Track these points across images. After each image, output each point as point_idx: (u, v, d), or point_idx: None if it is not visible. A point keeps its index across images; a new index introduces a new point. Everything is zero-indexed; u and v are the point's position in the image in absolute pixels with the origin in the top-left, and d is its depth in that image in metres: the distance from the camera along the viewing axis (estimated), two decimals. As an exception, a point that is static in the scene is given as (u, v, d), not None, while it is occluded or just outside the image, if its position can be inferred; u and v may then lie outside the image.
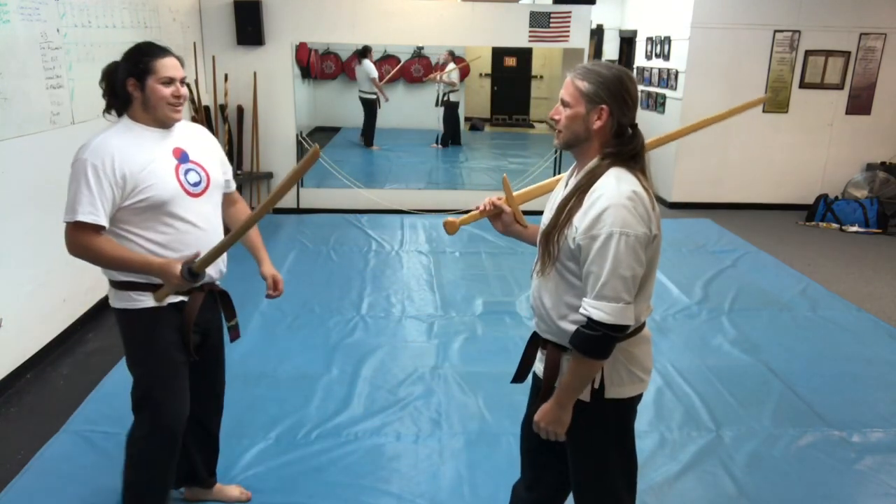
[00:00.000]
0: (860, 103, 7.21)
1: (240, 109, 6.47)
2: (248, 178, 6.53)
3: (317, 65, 11.25)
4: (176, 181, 1.98)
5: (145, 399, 2.09)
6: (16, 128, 3.36)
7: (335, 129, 11.22)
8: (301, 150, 6.82)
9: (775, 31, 6.95)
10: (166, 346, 2.06)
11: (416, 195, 7.03)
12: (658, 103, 7.71)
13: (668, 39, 7.49)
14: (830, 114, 7.23)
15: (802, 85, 7.11)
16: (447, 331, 4.03)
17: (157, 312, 2.02)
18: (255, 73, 6.40)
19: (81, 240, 1.92)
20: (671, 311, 4.37)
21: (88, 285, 4.08)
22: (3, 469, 2.70)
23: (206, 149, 2.14)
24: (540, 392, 1.79)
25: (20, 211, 3.41)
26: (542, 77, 13.18)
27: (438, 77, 9.63)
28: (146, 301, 2.01)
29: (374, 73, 9.46)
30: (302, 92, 9.89)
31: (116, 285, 2.03)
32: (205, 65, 6.25)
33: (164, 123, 2.00)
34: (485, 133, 12.31)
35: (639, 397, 1.77)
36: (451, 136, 9.97)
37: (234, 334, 2.25)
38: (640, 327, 1.73)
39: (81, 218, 1.88)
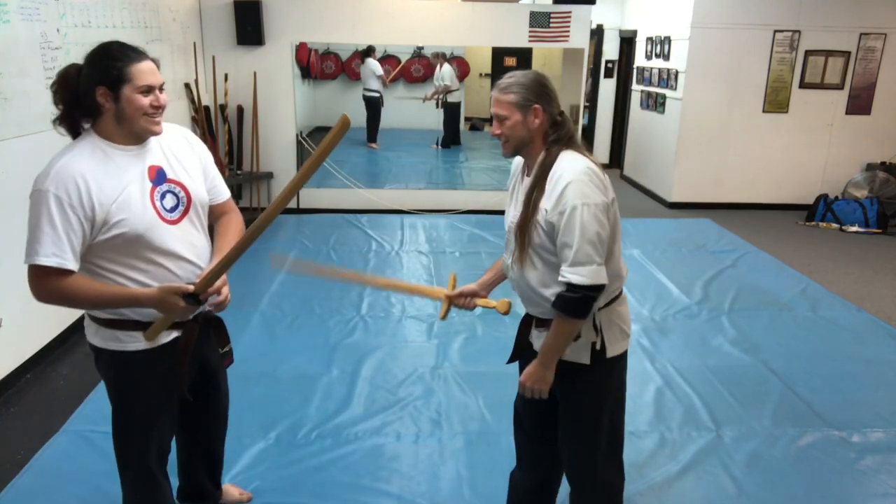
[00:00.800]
0: (860, 103, 7.21)
1: (240, 109, 6.47)
2: (248, 178, 6.54)
3: (317, 65, 11.24)
4: (152, 209, 1.72)
5: (127, 444, 1.92)
6: (16, 128, 3.36)
7: (335, 129, 11.18)
8: (301, 150, 6.82)
9: (775, 31, 6.96)
10: (156, 392, 1.86)
11: (416, 195, 7.03)
12: (658, 103, 7.71)
13: (668, 39, 7.49)
14: (830, 114, 7.23)
15: (802, 85, 7.11)
16: (447, 331, 4.03)
17: (149, 355, 1.79)
18: (255, 73, 6.40)
19: (48, 285, 1.66)
20: (671, 311, 4.37)
21: (88, 285, 4.08)
22: (3, 469, 2.70)
23: (186, 159, 1.84)
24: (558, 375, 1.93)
25: (20, 211, 3.40)
26: (541, 77, 13.16)
27: (431, 96, 9.74)
28: (136, 342, 1.77)
29: (381, 71, 9.47)
30: (302, 92, 9.88)
31: (100, 322, 1.78)
32: (205, 65, 6.26)
33: (140, 138, 1.73)
34: (485, 133, 12.30)
35: (623, 357, 1.96)
36: (451, 137, 9.97)
37: (228, 361, 2.06)
38: (621, 289, 1.95)
39: (43, 262, 1.63)
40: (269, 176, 6.71)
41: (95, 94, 1.65)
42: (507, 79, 1.84)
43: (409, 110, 11.36)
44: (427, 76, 10.94)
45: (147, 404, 1.88)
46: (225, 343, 2.02)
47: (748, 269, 5.28)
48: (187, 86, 5.83)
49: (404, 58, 11.35)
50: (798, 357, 3.79)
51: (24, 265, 1.66)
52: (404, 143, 10.05)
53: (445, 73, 9.52)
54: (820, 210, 6.90)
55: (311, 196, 6.82)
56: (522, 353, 2.05)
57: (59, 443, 2.83)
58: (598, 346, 1.87)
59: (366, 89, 9.65)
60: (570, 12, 6.46)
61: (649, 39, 8.01)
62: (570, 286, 1.74)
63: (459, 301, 2.19)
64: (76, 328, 3.94)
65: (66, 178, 1.62)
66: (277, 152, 6.71)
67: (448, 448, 2.87)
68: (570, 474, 2.06)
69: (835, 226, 6.78)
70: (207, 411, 2.14)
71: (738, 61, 7.03)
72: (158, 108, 1.71)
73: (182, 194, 1.80)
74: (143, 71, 1.67)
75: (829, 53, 7.04)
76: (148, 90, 1.68)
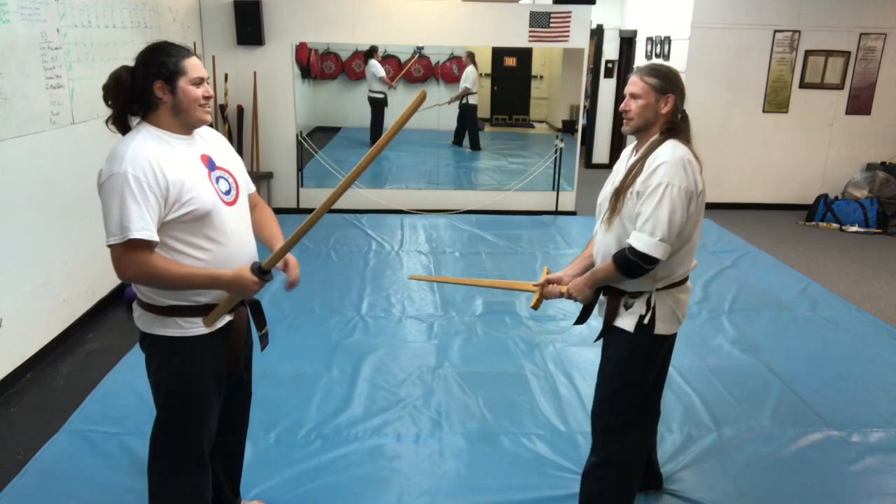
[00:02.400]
0: (860, 103, 7.21)
1: (240, 109, 6.47)
2: (248, 178, 6.53)
3: (317, 65, 11.23)
4: (214, 190, 1.83)
5: (180, 432, 1.95)
6: (16, 128, 3.36)
7: (335, 129, 11.20)
8: (301, 150, 6.82)
9: (775, 31, 6.96)
10: (213, 375, 1.93)
11: (416, 195, 7.03)
12: (658, 103, 7.71)
13: (668, 39, 7.49)
14: (830, 114, 7.23)
15: (802, 85, 7.11)
16: (447, 331, 4.03)
17: (208, 339, 1.87)
18: (255, 73, 6.40)
19: (138, 259, 1.70)
20: (671, 311, 4.37)
21: (88, 285, 4.08)
22: (3, 469, 2.70)
23: (227, 152, 2.00)
24: (603, 328, 2.20)
25: (20, 211, 3.41)
26: (542, 77, 13.16)
27: (456, 98, 9.69)
28: (196, 328, 1.85)
29: (381, 73, 9.47)
30: (302, 92, 9.88)
31: (159, 311, 1.83)
32: (205, 65, 6.22)
33: (193, 127, 1.85)
34: (485, 133, 12.28)
35: (672, 337, 2.18)
36: (471, 140, 10.00)
37: (265, 342, 2.09)
38: (686, 278, 2.14)
39: (136, 235, 1.67)
40: (269, 176, 6.71)
41: (153, 88, 1.77)
42: (651, 64, 2.08)
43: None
44: (427, 76, 10.94)
45: (205, 387, 1.93)
46: (263, 325, 2.07)
47: (748, 269, 5.28)
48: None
49: (404, 58, 11.34)
50: (798, 357, 3.79)
51: (106, 245, 1.71)
52: (404, 143, 10.04)
53: (470, 74, 9.54)
54: (820, 210, 6.90)
55: (310, 196, 6.82)
56: (587, 317, 2.32)
57: (59, 443, 2.83)
58: (645, 321, 2.07)
59: (370, 91, 9.66)
60: (570, 12, 6.46)
61: (649, 39, 8.01)
62: (630, 248, 1.96)
63: (547, 289, 2.31)
64: (76, 328, 3.94)
65: (140, 160, 1.71)
66: (277, 152, 6.71)
67: (448, 448, 2.87)
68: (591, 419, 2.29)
69: (835, 226, 6.78)
70: (235, 394, 2.15)
71: (738, 61, 7.03)
72: (209, 99, 1.84)
73: (231, 180, 1.93)
74: (195, 65, 1.82)
75: (829, 53, 7.04)
76: (200, 82, 1.81)
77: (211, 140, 1.96)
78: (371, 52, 9.56)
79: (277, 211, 6.75)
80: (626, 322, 2.11)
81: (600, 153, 9.81)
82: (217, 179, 1.87)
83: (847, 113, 7.23)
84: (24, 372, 3.44)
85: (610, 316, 2.16)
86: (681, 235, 1.99)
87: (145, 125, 1.81)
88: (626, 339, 2.12)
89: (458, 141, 10.17)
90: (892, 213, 6.75)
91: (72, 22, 3.87)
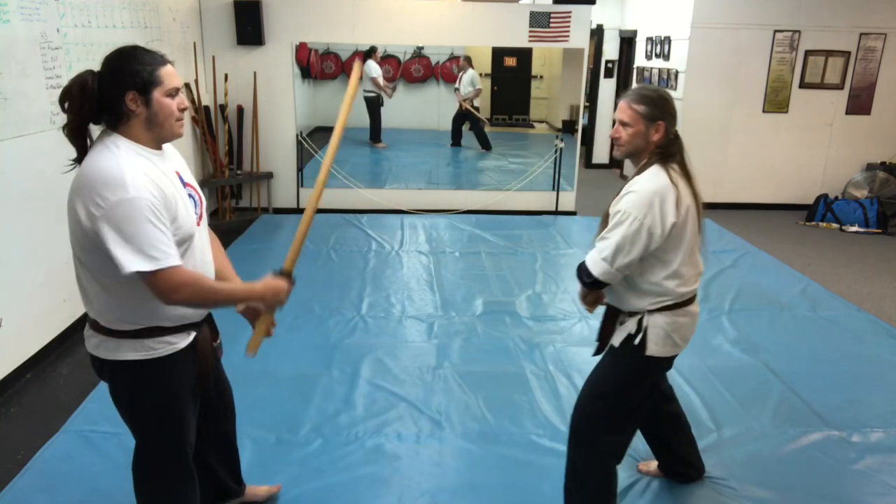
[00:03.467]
0: (860, 103, 7.21)
1: (240, 109, 6.47)
2: (248, 178, 6.53)
3: (317, 65, 11.23)
4: (190, 210, 1.75)
5: (167, 454, 1.91)
6: (16, 128, 3.36)
7: (335, 129, 11.19)
8: (301, 150, 6.82)
9: (775, 31, 6.96)
10: (187, 392, 1.87)
11: (416, 195, 7.03)
12: (658, 103, 7.71)
13: (668, 39, 7.49)
14: (830, 114, 7.23)
15: (802, 85, 7.11)
16: (447, 331, 4.03)
17: (178, 357, 1.80)
18: (255, 73, 6.40)
19: (181, 280, 1.63)
20: (671, 311, 4.37)
21: (88, 285, 4.08)
22: (3, 469, 2.70)
23: (185, 165, 1.86)
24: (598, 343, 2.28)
25: (20, 211, 3.41)
26: (542, 77, 13.16)
27: (466, 103, 9.67)
28: (166, 346, 1.77)
29: (374, 73, 9.47)
30: (302, 92, 9.89)
31: (126, 335, 1.73)
32: (205, 65, 6.25)
33: (165, 141, 1.73)
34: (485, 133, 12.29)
35: (670, 359, 2.18)
36: (483, 142, 10.01)
37: (219, 352, 2.10)
38: (689, 301, 2.14)
39: (173, 262, 1.60)
40: (269, 176, 6.70)
41: (124, 99, 1.62)
42: (640, 90, 2.06)
43: (410, 110, 11.36)
44: (427, 76, 10.94)
45: (184, 404, 1.89)
46: (216, 336, 2.04)
47: (748, 269, 5.28)
48: (187, 86, 5.83)
49: (404, 58, 11.34)
50: (798, 357, 3.79)
51: (135, 272, 1.58)
52: (404, 143, 10.04)
53: (474, 77, 9.56)
54: (820, 210, 6.90)
55: (310, 196, 6.80)
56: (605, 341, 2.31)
57: (59, 443, 2.83)
58: (635, 341, 2.09)
59: (364, 90, 9.65)
60: (570, 12, 6.46)
61: (649, 39, 8.01)
62: (583, 263, 2.06)
63: None
64: (76, 328, 3.94)
65: (141, 181, 1.59)
66: (277, 152, 6.71)
67: (448, 448, 2.87)
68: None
69: (835, 226, 6.78)
70: (215, 405, 2.13)
71: (738, 61, 7.03)
72: (184, 111, 1.73)
73: (196, 197, 1.83)
74: (170, 74, 1.67)
75: (829, 53, 7.04)
76: (175, 92, 1.69)
77: (175, 155, 1.84)
78: (370, 52, 9.57)
79: (277, 211, 6.77)
80: (616, 338, 2.17)
81: (600, 153, 9.81)
82: (188, 197, 1.75)
83: (847, 113, 7.23)
84: (24, 372, 3.44)
85: (606, 333, 2.22)
86: (656, 257, 2.03)
87: (119, 138, 1.65)
88: (616, 356, 2.18)
89: (456, 142, 10.18)
90: (892, 213, 6.75)
91: (72, 22, 3.87)
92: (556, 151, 6.88)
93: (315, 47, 10.88)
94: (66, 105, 1.65)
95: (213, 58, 6.27)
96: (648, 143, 2.04)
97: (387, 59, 11.10)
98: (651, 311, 2.09)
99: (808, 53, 7.02)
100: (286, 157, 6.73)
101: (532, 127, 13.05)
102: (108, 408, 3.11)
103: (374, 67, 9.49)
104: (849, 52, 7.04)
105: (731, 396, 3.32)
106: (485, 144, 9.97)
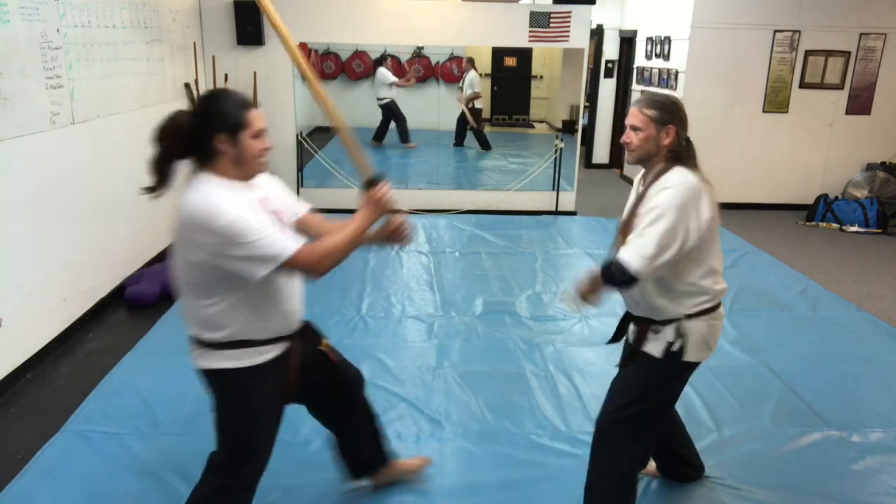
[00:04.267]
0: (860, 103, 7.21)
1: (240, 109, 6.46)
2: (248, 178, 6.53)
3: (317, 65, 11.23)
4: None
5: (248, 459, 2.06)
6: (16, 128, 3.36)
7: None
8: (301, 150, 6.81)
9: (775, 31, 6.95)
10: (274, 402, 2.04)
11: (416, 195, 7.03)
12: (658, 103, 7.71)
13: (668, 39, 7.49)
14: (830, 114, 7.23)
15: (802, 85, 7.11)
16: (447, 331, 4.03)
17: (269, 367, 1.95)
18: (255, 73, 6.40)
19: (316, 255, 1.80)
20: (671, 311, 4.37)
21: (88, 285, 4.08)
22: (3, 469, 2.70)
23: (277, 192, 2.02)
24: (629, 354, 2.25)
25: (20, 211, 3.41)
26: (542, 77, 13.16)
27: (467, 103, 9.68)
28: (263, 356, 1.93)
29: (390, 79, 9.45)
30: (302, 92, 9.89)
31: (216, 346, 1.89)
32: (205, 65, 6.25)
33: (250, 177, 1.87)
34: (485, 133, 12.29)
35: (696, 364, 2.17)
36: (482, 142, 10.02)
37: (333, 356, 2.26)
38: (718, 304, 2.14)
39: (295, 246, 1.77)
40: (269, 176, 6.71)
41: (214, 140, 1.77)
42: (651, 95, 2.09)
43: (410, 110, 11.36)
44: (427, 76, 10.94)
45: (270, 413, 2.05)
46: (319, 340, 2.22)
47: (748, 269, 5.28)
48: (187, 86, 5.83)
49: (404, 58, 11.34)
50: (798, 357, 3.79)
51: (286, 265, 1.78)
52: (398, 144, 10.04)
53: (473, 80, 9.57)
54: (820, 210, 6.90)
55: (310, 196, 6.81)
56: (620, 337, 2.34)
57: (59, 443, 2.83)
58: (674, 348, 2.10)
59: (377, 97, 9.65)
60: (570, 12, 6.46)
61: (649, 39, 8.01)
62: (618, 261, 1.95)
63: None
64: (76, 328, 3.94)
65: (236, 204, 1.74)
66: (277, 152, 6.71)
67: (448, 448, 2.87)
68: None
69: (835, 226, 6.78)
70: (345, 402, 2.32)
71: (738, 61, 7.03)
72: (266, 150, 1.86)
73: (278, 223, 1.91)
74: (257, 117, 1.82)
75: (829, 53, 7.04)
76: (259, 134, 1.82)
77: (262, 182, 1.97)
78: (381, 59, 9.63)
79: (277, 211, 6.76)
80: (654, 347, 2.14)
81: (600, 153, 9.81)
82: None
83: (847, 113, 7.22)
84: (24, 372, 3.44)
85: (637, 343, 2.19)
86: (691, 257, 2.01)
87: (209, 176, 1.80)
88: (651, 363, 2.15)
89: (459, 142, 10.19)
90: (892, 213, 6.75)
91: (72, 22, 3.87)
92: (556, 151, 6.88)
93: (315, 47, 10.89)
94: (162, 142, 1.79)
95: (213, 58, 6.27)
96: (660, 148, 2.06)
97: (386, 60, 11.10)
98: (689, 317, 2.09)
99: (808, 53, 7.02)
100: (286, 157, 6.73)
101: (532, 127, 13.05)
102: (108, 408, 3.13)
103: (387, 74, 9.48)
104: (849, 52, 7.04)
105: (730, 396, 3.32)
106: (484, 144, 9.98)
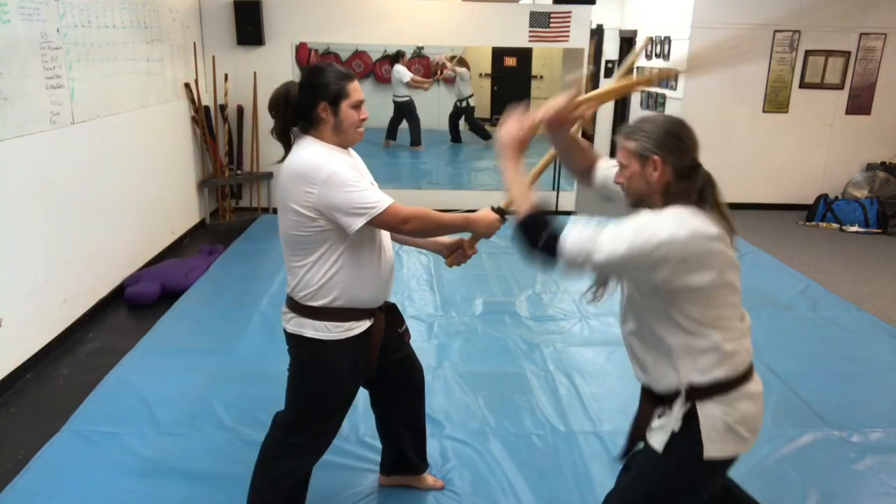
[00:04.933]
0: (860, 103, 7.21)
1: (240, 109, 6.47)
2: (248, 178, 6.53)
3: (317, 65, 11.24)
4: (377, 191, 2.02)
5: (322, 430, 2.17)
6: (16, 128, 3.36)
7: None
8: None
9: (775, 31, 6.95)
10: (351, 376, 2.10)
11: (416, 195, 7.02)
12: (658, 103, 7.72)
13: (668, 39, 7.49)
14: (830, 114, 7.23)
15: (802, 85, 7.11)
16: (447, 331, 4.03)
17: (353, 341, 2.04)
18: (255, 73, 6.40)
19: (407, 213, 1.94)
20: (671, 311, 4.37)
21: (88, 285, 4.08)
22: (3, 469, 2.70)
23: (365, 168, 2.15)
24: (629, 441, 1.82)
25: (20, 211, 3.41)
26: (542, 77, 13.18)
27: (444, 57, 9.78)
28: (346, 331, 2.02)
29: (407, 77, 9.46)
30: (302, 92, 9.89)
31: (316, 314, 2.00)
32: (205, 65, 6.25)
33: (348, 145, 2.02)
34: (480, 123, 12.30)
35: (733, 459, 1.64)
36: (480, 133, 10.08)
37: (407, 336, 2.37)
38: (746, 376, 1.63)
39: (389, 201, 1.90)
40: (269, 176, 6.70)
41: (317, 108, 1.92)
42: (636, 122, 1.68)
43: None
44: (426, 76, 10.95)
45: (351, 386, 2.14)
46: (401, 323, 2.32)
47: (748, 269, 5.28)
48: (187, 86, 5.83)
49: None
50: (798, 357, 3.79)
51: (369, 222, 1.89)
52: (404, 143, 10.05)
53: (465, 74, 9.69)
54: (820, 210, 6.90)
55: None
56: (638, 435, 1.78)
57: (59, 443, 2.83)
58: (681, 442, 1.60)
59: (394, 95, 9.67)
60: (570, 12, 6.46)
61: (649, 39, 8.00)
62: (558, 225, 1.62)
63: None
64: (76, 328, 3.94)
65: (337, 161, 1.90)
66: (277, 152, 6.67)
67: (448, 448, 2.87)
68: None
69: (835, 226, 6.78)
70: (402, 388, 2.38)
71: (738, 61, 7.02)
72: (364, 121, 1.99)
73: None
74: (357, 89, 1.95)
75: (829, 53, 7.04)
76: (359, 104, 1.96)
77: (358, 159, 2.11)
78: (397, 56, 9.68)
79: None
80: (655, 438, 1.65)
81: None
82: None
83: (847, 113, 7.23)
84: (24, 372, 3.44)
85: (640, 425, 1.72)
86: (703, 292, 1.63)
87: (312, 139, 1.95)
88: (654, 461, 1.65)
89: (455, 138, 10.23)
90: (892, 213, 6.75)
91: (72, 22, 3.87)
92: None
93: (315, 47, 10.90)
94: (274, 112, 2.01)
95: (213, 58, 6.27)
96: (651, 186, 1.63)
97: (386, 60, 11.11)
98: (700, 397, 1.59)
99: (808, 53, 7.02)
100: (286, 157, 6.72)
101: (532, 127, 13.04)
102: (108, 408, 3.12)
103: (403, 72, 9.47)
104: (849, 52, 7.04)
105: (731, 396, 3.32)
106: (484, 136, 9.99)
